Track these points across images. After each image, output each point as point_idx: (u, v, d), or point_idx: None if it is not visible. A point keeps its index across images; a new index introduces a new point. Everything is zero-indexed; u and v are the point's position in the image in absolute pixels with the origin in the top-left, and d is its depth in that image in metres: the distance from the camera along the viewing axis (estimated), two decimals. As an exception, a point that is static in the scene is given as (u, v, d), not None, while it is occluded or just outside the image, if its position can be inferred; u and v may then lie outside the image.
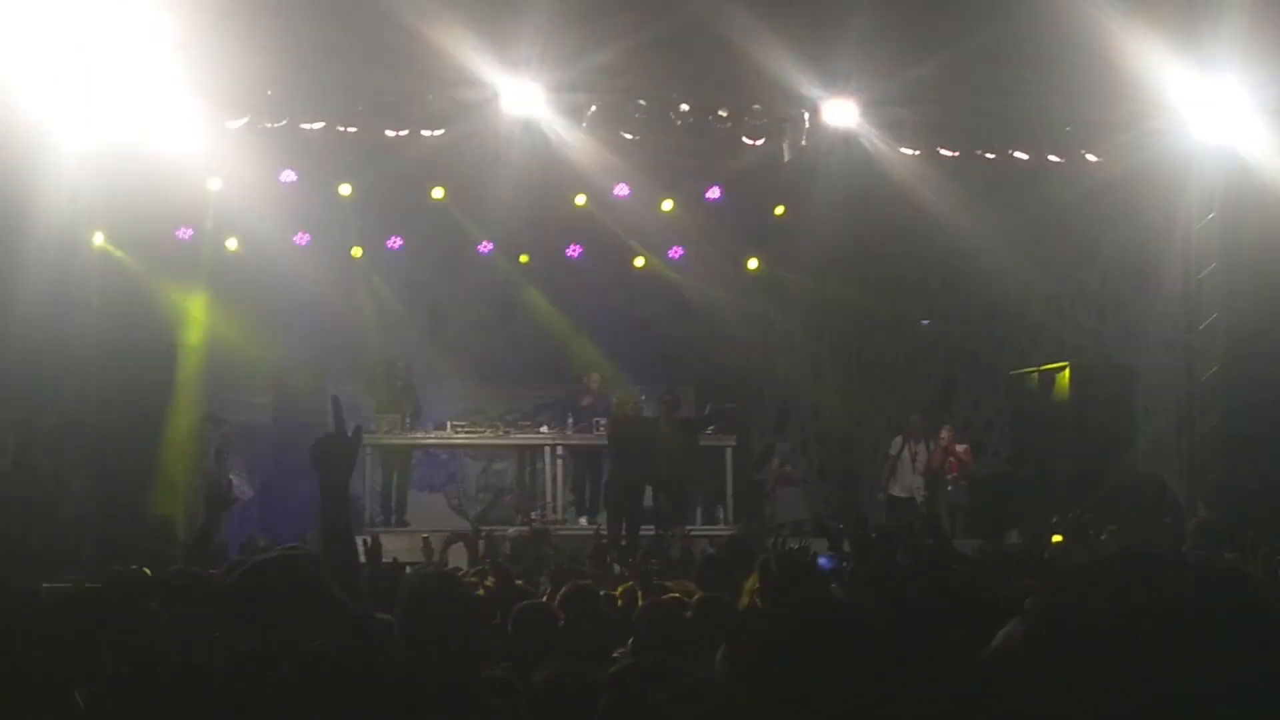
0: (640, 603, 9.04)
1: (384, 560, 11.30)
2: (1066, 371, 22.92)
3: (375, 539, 10.35)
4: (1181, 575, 2.37)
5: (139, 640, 6.94)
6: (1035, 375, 23.83)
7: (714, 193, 24.97)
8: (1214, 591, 2.39)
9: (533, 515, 22.42)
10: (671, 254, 26.71)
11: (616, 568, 14.72)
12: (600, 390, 24.29)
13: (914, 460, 23.32)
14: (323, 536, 6.12)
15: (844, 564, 13.51)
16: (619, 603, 9.62)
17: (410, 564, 14.38)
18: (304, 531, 19.32)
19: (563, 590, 9.19)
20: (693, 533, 21.60)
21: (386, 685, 3.82)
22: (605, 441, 22.61)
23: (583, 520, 23.51)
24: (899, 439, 23.77)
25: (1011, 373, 24.76)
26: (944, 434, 23.38)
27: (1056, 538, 17.99)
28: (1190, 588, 2.36)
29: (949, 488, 23.07)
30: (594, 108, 20.47)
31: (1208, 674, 2.29)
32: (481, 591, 9.78)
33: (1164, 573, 2.37)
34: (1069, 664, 2.42)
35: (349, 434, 6.05)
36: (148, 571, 11.02)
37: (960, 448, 23.24)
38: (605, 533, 20.86)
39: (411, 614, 6.01)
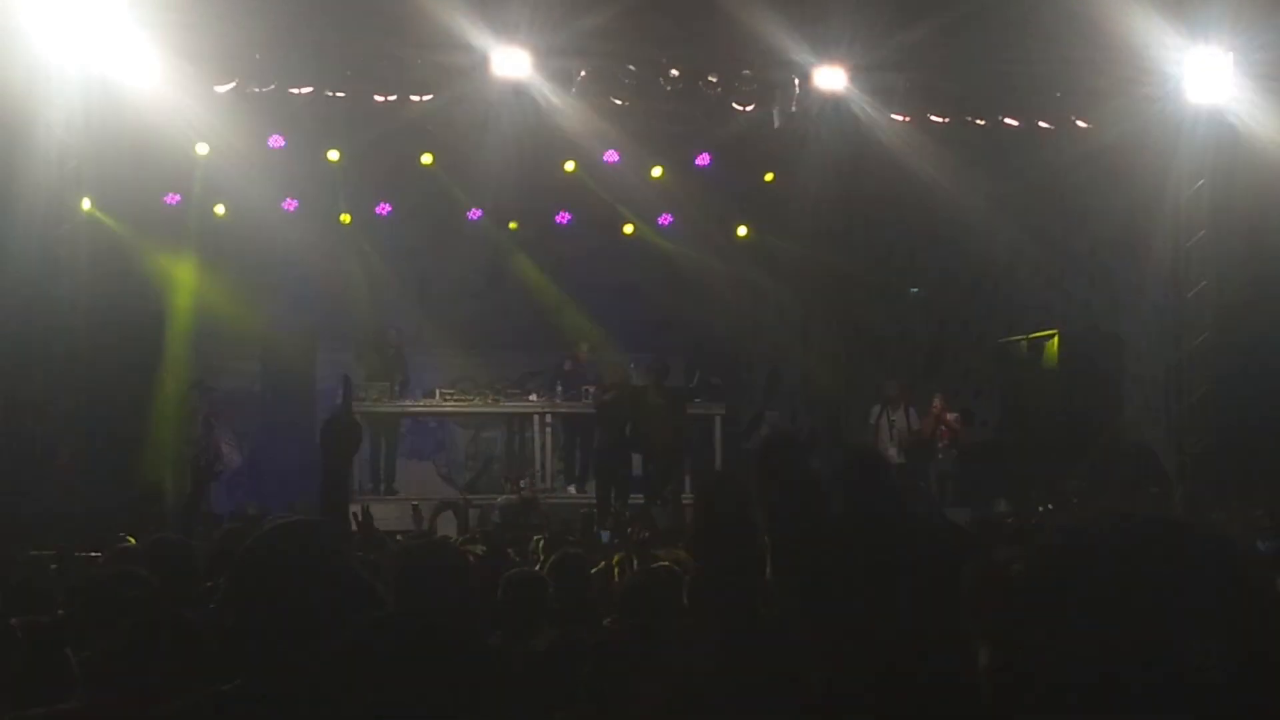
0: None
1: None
2: (1055, 339, 22.93)
3: (366, 509, 10.34)
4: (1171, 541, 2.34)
5: (132, 606, 6.92)
6: (1024, 343, 23.83)
7: (704, 159, 24.93)
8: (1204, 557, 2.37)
9: (521, 483, 22.38)
10: (661, 221, 26.69)
11: (605, 535, 14.72)
12: (589, 358, 24.26)
13: (891, 429, 23.29)
14: (321, 509, 6.15)
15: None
16: (615, 573, 9.60)
17: (400, 532, 14.41)
18: (293, 499, 19.33)
19: (552, 558, 9.18)
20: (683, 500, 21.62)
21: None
22: (594, 410, 22.58)
23: (571, 488, 23.51)
24: (876, 407, 23.74)
25: (1000, 341, 24.76)
26: (935, 402, 23.38)
27: (1043, 510, 18.05)
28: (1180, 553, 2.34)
29: (940, 455, 23.06)
30: (583, 73, 20.41)
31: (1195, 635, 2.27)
32: (472, 560, 9.76)
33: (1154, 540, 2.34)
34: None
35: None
36: (131, 540, 11.02)
37: (951, 416, 23.23)
38: (594, 501, 20.88)
39: (404, 582, 5.99)
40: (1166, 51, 20.24)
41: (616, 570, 9.65)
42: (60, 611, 7.36)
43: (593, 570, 9.52)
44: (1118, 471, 21.16)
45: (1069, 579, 2.34)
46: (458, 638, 3.57)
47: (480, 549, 11.03)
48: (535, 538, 13.38)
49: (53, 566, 10.84)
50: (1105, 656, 2.26)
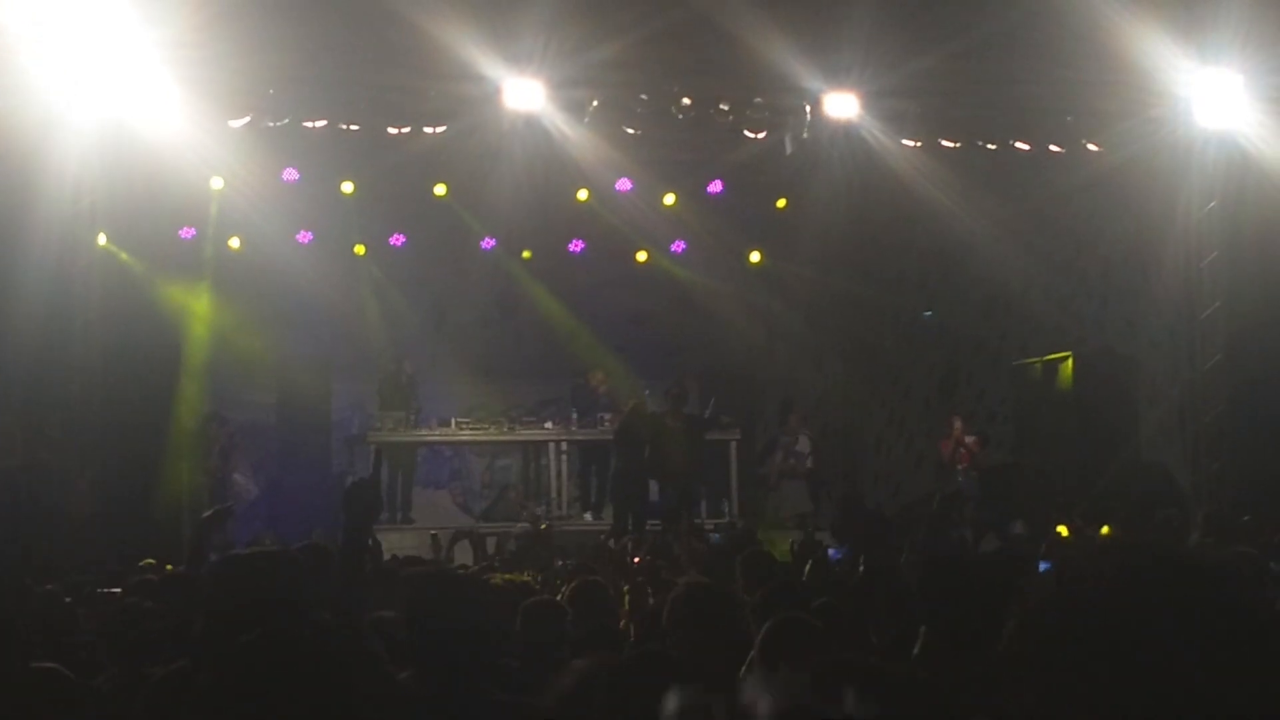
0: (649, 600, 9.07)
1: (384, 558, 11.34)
2: (1069, 362, 22.94)
3: (376, 540, 10.38)
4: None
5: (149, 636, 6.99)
6: (1038, 366, 23.84)
7: (716, 186, 25.03)
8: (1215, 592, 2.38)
9: (538, 511, 22.44)
10: (674, 248, 26.79)
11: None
12: (604, 386, 24.31)
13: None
14: (341, 569, 6.27)
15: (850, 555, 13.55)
16: (625, 601, 9.63)
17: (410, 558, 14.43)
18: (311, 529, 19.38)
19: (571, 586, 9.21)
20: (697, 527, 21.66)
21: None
22: (610, 437, 22.60)
23: (587, 516, 23.55)
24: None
25: (1014, 363, 24.77)
26: (955, 425, 23.40)
27: (1061, 529, 18.02)
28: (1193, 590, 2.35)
29: (959, 479, 23.08)
30: (596, 103, 20.46)
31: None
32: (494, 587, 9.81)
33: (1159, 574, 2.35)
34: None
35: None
36: (152, 562, 11.09)
37: (969, 438, 23.25)
38: (612, 529, 20.93)
39: (420, 610, 6.03)
40: (1177, 74, 20.24)
41: (627, 599, 9.66)
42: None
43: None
44: (1133, 493, 21.15)
45: (1069, 639, 2.38)
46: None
47: (501, 577, 11.06)
48: (560, 562, 13.41)
49: (67, 600, 10.88)
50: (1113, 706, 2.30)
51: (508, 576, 11.09)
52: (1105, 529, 19.03)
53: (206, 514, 9.55)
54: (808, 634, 6.17)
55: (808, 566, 10.81)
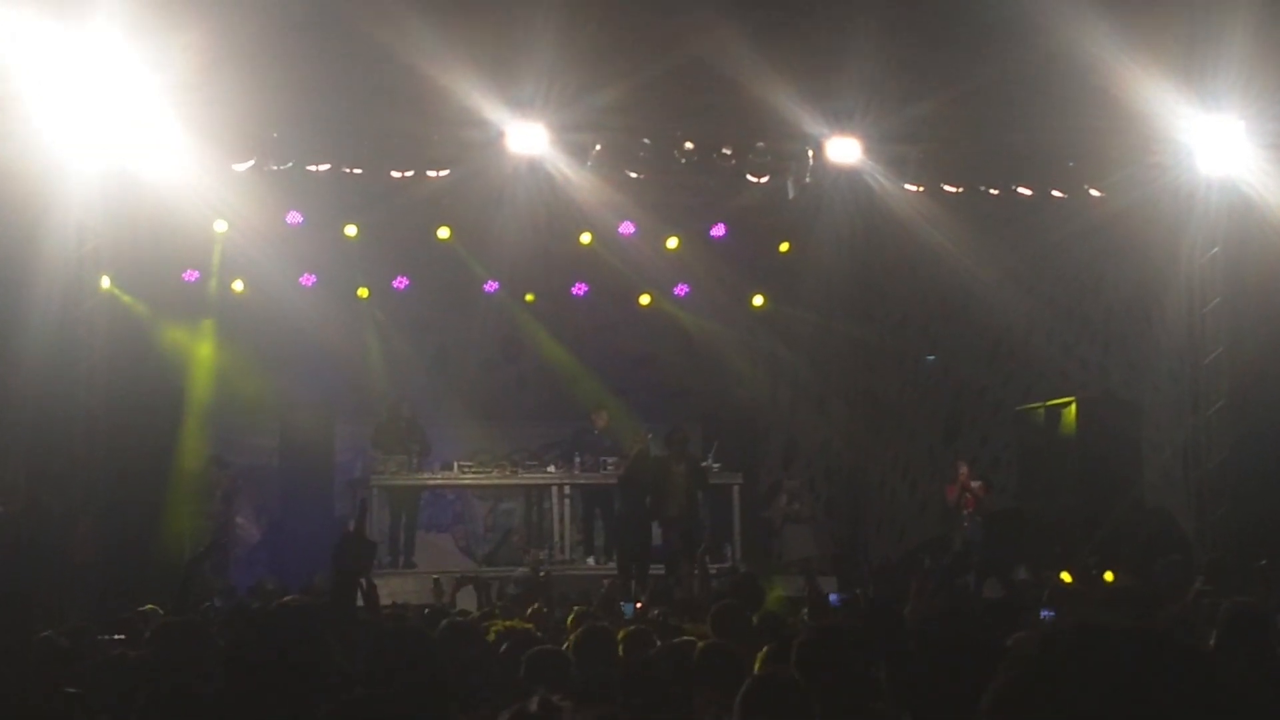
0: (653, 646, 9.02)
1: (384, 605, 11.30)
2: (1072, 407, 22.92)
3: (370, 582, 10.34)
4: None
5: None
6: (1041, 411, 23.82)
7: (719, 230, 25.10)
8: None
9: (540, 556, 22.39)
10: (677, 291, 26.81)
11: (629, 609, 14.69)
12: (607, 428, 24.28)
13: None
14: (332, 619, 6.25)
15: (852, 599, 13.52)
16: (620, 649, 9.55)
17: (422, 606, 14.42)
18: (313, 573, 19.34)
19: (577, 633, 9.16)
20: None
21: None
22: (613, 481, 22.54)
23: (590, 560, 23.50)
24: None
25: (1017, 409, 24.75)
26: (961, 470, 23.38)
27: (1065, 576, 18.01)
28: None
29: (965, 524, 23.05)
30: (599, 147, 20.50)
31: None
32: (492, 636, 9.77)
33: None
34: None
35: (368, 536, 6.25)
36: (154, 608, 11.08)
37: (975, 484, 23.23)
38: (616, 574, 20.87)
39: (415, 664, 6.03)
40: (1179, 120, 20.28)
41: (622, 646, 9.58)
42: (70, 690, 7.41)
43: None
44: (1137, 538, 21.13)
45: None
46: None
47: (502, 624, 11.03)
48: (576, 608, 13.35)
49: (63, 642, 10.84)
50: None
51: (508, 624, 11.06)
52: (1109, 575, 19.03)
53: (190, 556, 9.56)
54: (787, 691, 6.17)
55: (804, 611, 10.79)
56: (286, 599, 6.46)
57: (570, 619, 11.68)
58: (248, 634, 5.34)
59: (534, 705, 6.60)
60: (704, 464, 22.90)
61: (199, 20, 17.00)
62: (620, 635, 9.28)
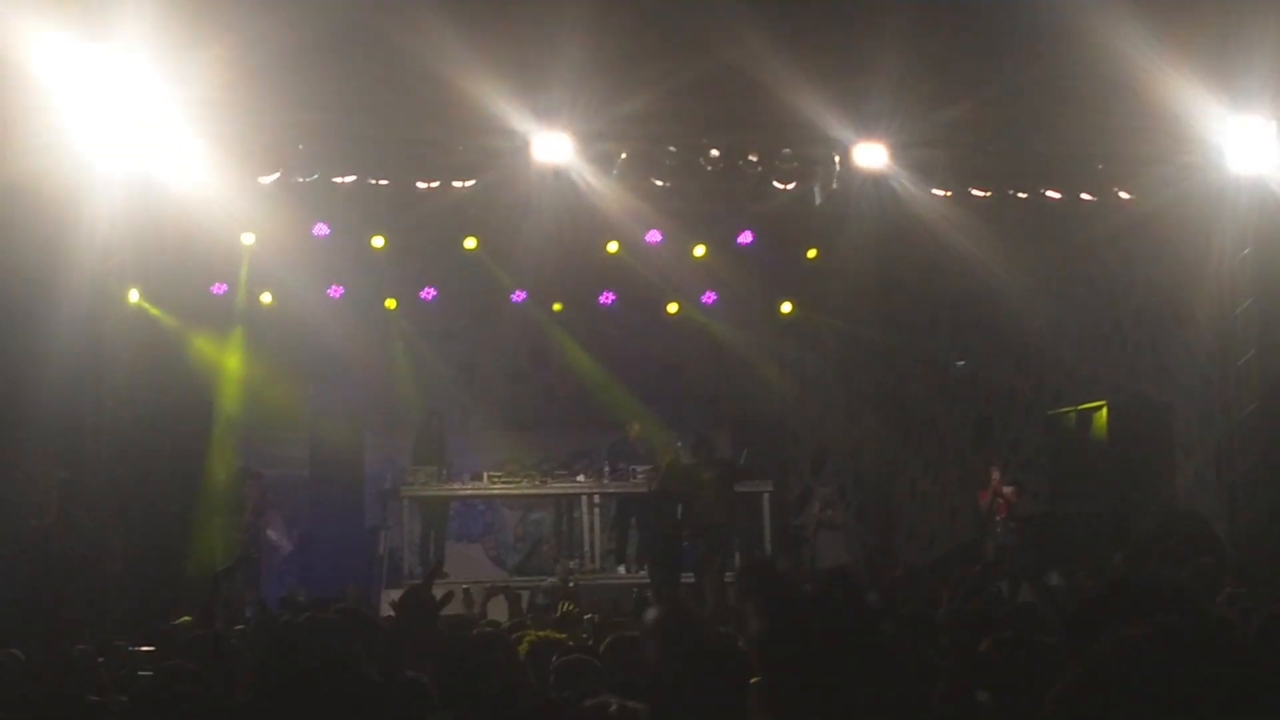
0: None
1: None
2: (1104, 411, 22.83)
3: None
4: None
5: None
6: (1072, 414, 23.73)
7: (746, 237, 25.02)
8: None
9: (570, 565, 22.36)
10: (704, 299, 26.76)
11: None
12: (640, 437, 24.23)
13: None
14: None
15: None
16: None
17: (451, 616, 14.36)
18: (344, 584, 19.35)
19: (606, 641, 9.13)
20: (728, 579, 21.59)
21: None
22: (643, 489, 22.51)
23: (621, 569, 23.47)
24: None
25: (1049, 413, 24.65)
26: (993, 475, 23.30)
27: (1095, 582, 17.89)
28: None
29: (998, 529, 22.97)
30: (624, 155, 20.45)
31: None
32: (525, 647, 9.72)
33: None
34: None
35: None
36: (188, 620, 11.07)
37: (1007, 489, 23.15)
38: (645, 582, 20.86)
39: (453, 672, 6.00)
40: (1208, 120, 20.19)
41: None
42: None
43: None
44: (1169, 541, 21.02)
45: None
46: None
47: (534, 634, 10.98)
48: (587, 616, 13.31)
49: (100, 660, 10.84)
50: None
51: (541, 634, 11.01)
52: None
53: (220, 569, 9.55)
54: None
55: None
56: (310, 613, 6.42)
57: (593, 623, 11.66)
58: (275, 647, 5.31)
59: (613, 707, 6.55)
60: (740, 464, 22.84)
61: (224, 34, 17.02)
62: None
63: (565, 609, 14.09)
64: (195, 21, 17.04)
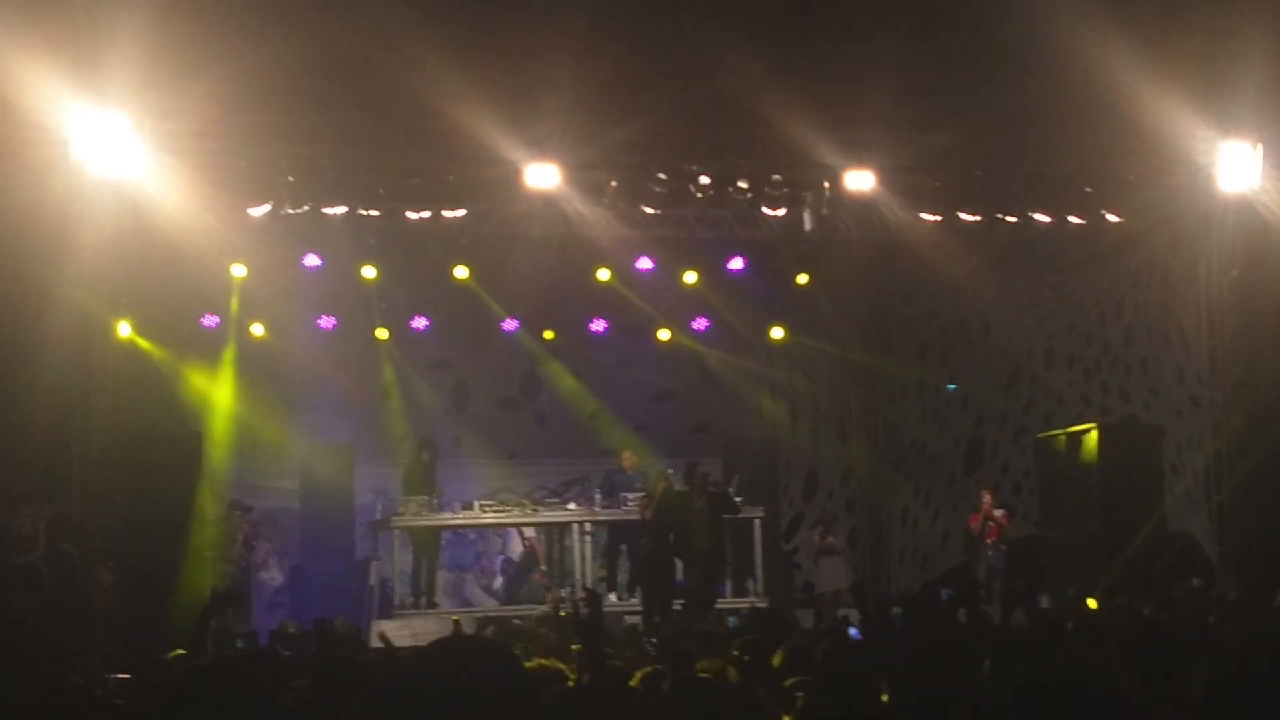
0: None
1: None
2: (1093, 433, 22.81)
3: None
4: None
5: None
6: (1062, 437, 23.72)
7: (736, 263, 25.03)
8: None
9: (562, 594, 22.32)
10: (695, 325, 26.78)
11: (651, 647, 14.61)
12: (635, 467, 24.20)
13: None
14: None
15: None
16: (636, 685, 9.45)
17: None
18: (334, 615, 19.30)
19: (587, 674, 9.07)
20: (721, 606, 21.59)
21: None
22: (635, 516, 22.48)
23: (612, 597, 23.42)
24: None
25: (1038, 435, 24.66)
26: (984, 499, 23.31)
27: (1091, 603, 17.89)
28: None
29: (989, 552, 22.97)
30: (614, 183, 20.47)
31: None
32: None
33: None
34: None
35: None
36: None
37: (998, 512, 23.16)
38: (637, 609, 20.87)
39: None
40: (1196, 143, 20.24)
41: (639, 683, 9.47)
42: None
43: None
44: (1160, 563, 21.03)
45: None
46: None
47: (536, 662, 10.96)
48: (574, 647, 13.27)
49: (98, 692, 10.81)
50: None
51: (543, 662, 10.99)
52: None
53: (208, 601, 9.50)
54: None
55: (822, 645, 10.71)
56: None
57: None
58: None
59: None
60: (729, 491, 22.81)
61: (214, 66, 17.04)
62: (636, 676, 9.21)
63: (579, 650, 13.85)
64: (185, 54, 17.06)
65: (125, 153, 17.90)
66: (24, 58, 16.57)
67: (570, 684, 9.05)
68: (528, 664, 10.46)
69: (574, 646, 13.61)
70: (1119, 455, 22.44)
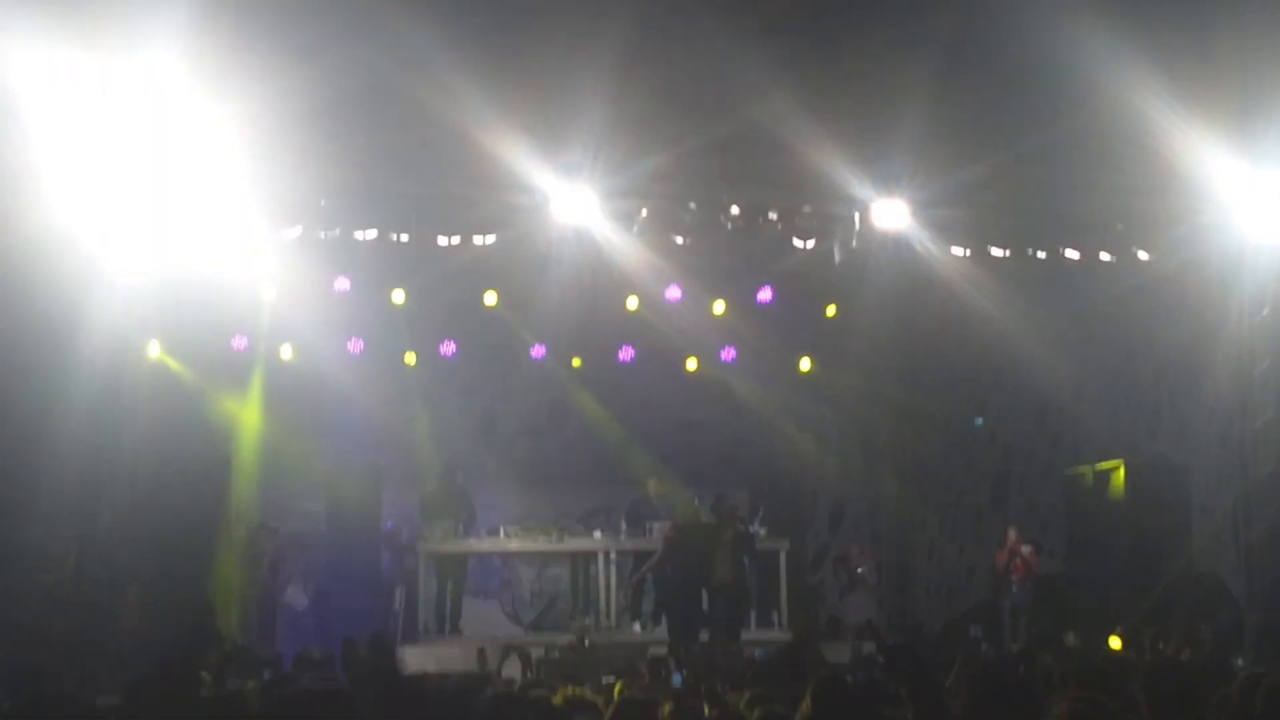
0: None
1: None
2: (1121, 470, 22.76)
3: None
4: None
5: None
6: (1090, 474, 23.66)
7: (765, 294, 25.02)
8: None
9: (586, 623, 22.29)
10: (724, 355, 26.74)
11: (678, 678, 14.61)
12: (661, 495, 24.18)
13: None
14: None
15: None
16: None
17: (465, 674, 14.33)
18: (358, 638, 19.29)
19: (617, 704, 9.08)
20: (745, 638, 21.57)
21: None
22: (664, 547, 22.45)
23: (636, 627, 23.40)
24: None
25: (1066, 472, 24.59)
26: (1010, 534, 23.22)
27: (1114, 643, 17.85)
28: None
29: (1014, 589, 22.88)
30: (645, 212, 20.48)
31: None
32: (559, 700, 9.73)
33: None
34: None
35: None
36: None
37: (1025, 548, 23.07)
38: (661, 640, 20.85)
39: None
40: (1227, 181, 20.18)
41: (670, 716, 9.47)
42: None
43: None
44: (1187, 602, 20.96)
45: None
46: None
47: (568, 691, 10.97)
48: (607, 679, 13.24)
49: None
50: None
51: (576, 691, 10.99)
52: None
53: (223, 660, 9.48)
54: None
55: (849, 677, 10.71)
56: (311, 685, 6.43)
57: (617, 689, 11.61)
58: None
59: None
60: (751, 529, 22.83)
61: (248, 89, 17.10)
62: (665, 710, 9.22)
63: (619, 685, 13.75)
64: (219, 77, 17.12)
65: (160, 172, 17.96)
66: (56, 76, 16.65)
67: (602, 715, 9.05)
68: (555, 698, 10.48)
69: (605, 679, 13.62)
70: (1147, 493, 22.40)
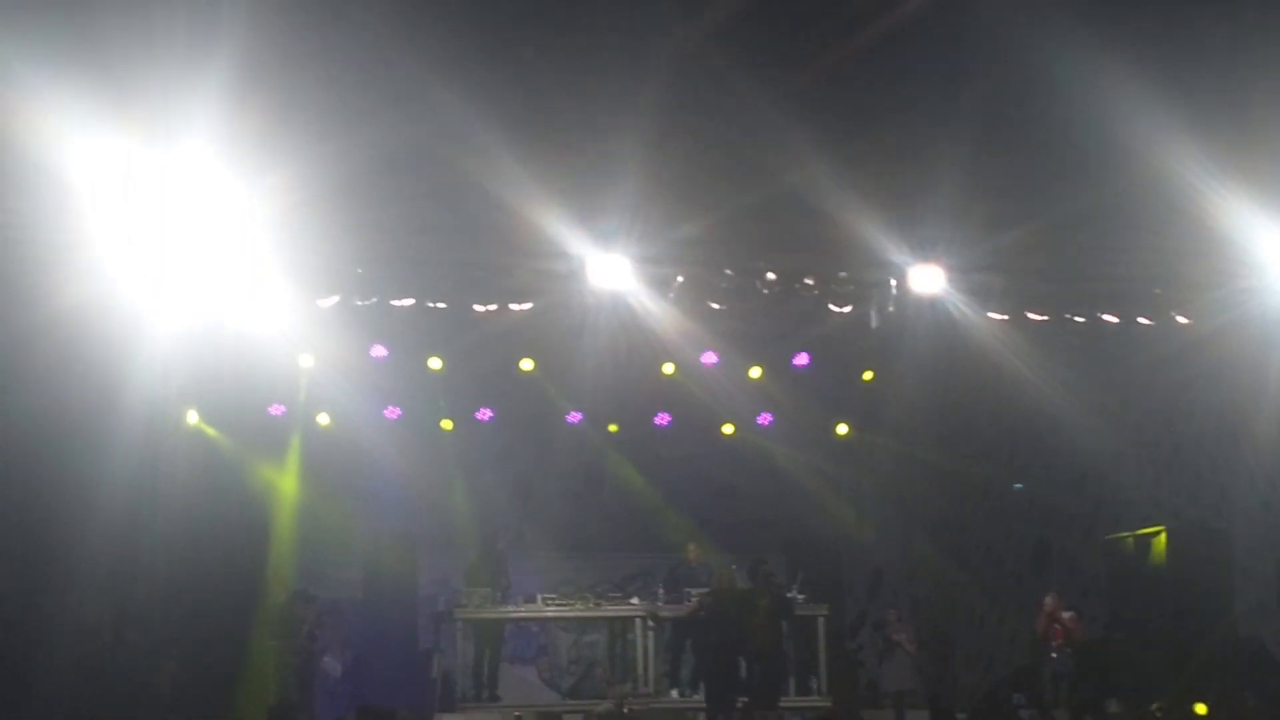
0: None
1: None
2: (1162, 536, 22.62)
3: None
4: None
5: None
6: (1131, 540, 23.52)
7: (802, 359, 24.99)
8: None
9: (624, 689, 22.18)
10: (760, 421, 26.73)
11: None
12: (700, 561, 24.12)
13: None
14: None
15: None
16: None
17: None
18: (395, 706, 19.26)
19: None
20: (784, 705, 21.45)
21: None
22: (699, 612, 22.37)
23: (675, 693, 23.27)
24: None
25: (1107, 537, 24.45)
26: (1048, 600, 23.06)
27: (1156, 709, 17.72)
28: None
29: (1053, 654, 22.69)
30: (681, 279, 20.50)
31: None
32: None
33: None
34: None
35: None
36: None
37: (1067, 615, 22.87)
38: (699, 707, 20.75)
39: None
40: (1266, 244, 20.12)
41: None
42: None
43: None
44: (1230, 668, 20.79)
45: None
46: None
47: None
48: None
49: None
50: None
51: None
52: (1201, 708, 18.71)
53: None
54: None
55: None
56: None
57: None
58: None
59: None
60: (789, 595, 22.74)
61: (285, 159, 17.16)
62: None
63: None
64: (256, 147, 17.19)
65: (199, 241, 18.02)
66: (94, 146, 16.75)
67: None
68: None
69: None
70: (1188, 559, 22.25)
